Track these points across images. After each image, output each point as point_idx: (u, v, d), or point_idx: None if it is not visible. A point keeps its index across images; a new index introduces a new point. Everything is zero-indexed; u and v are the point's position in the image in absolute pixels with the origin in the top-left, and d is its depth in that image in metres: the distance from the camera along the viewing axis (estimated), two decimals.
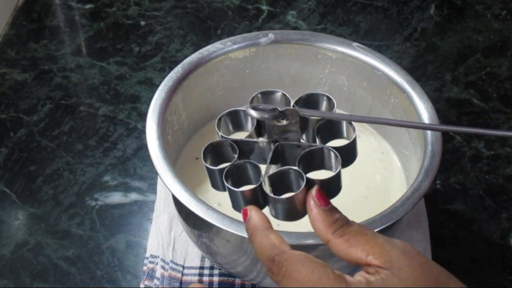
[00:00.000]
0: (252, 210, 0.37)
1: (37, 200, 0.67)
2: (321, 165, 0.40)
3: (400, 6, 0.92)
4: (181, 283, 0.58)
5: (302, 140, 0.41)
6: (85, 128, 0.74)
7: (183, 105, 0.58)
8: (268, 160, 0.39)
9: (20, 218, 0.65)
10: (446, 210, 0.66)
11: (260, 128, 0.41)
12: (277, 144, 0.40)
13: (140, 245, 0.63)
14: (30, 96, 0.78)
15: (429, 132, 0.52)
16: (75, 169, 0.70)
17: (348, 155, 0.40)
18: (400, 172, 0.61)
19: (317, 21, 0.89)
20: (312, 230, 0.36)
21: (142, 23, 0.88)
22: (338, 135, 0.41)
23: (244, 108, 0.42)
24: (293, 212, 0.38)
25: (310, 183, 0.37)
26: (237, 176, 0.40)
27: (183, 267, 0.59)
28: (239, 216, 0.41)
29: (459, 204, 0.67)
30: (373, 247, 0.33)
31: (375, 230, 0.46)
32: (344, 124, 0.41)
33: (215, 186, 0.41)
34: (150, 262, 0.60)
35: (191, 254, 0.60)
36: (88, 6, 0.91)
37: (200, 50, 0.58)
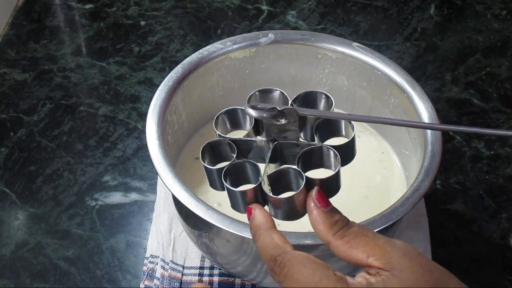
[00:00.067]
0: (256, 209, 0.37)
1: (37, 200, 0.67)
2: (320, 164, 0.40)
3: (400, 6, 0.92)
4: (181, 283, 0.58)
5: (300, 139, 0.41)
6: (85, 128, 0.74)
7: (183, 105, 0.58)
8: (267, 159, 0.39)
9: (20, 218, 0.65)
10: (446, 210, 0.66)
11: (258, 126, 0.41)
12: (275, 143, 0.40)
13: (140, 245, 0.63)
14: (30, 96, 0.78)
15: (429, 132, 0.52)
16: (75, 169, 0.70)
17: (347, 153, 0.40)
18: (400, 172, 0.61)
19: (317, 21, 0.89)
20: (312, 230, 0.36)
21: (142, 23, 0.88)
22: (336, 133, 0.41)
23: (242, 107, 0.42)
24: (293, 212, 0.38)
25: (310, 182, 0.37)
26: (235, 176, 0.40)
27: (183, 267, 0.59)
28: (239, 216, 0.42)
29: (459, 204, 0.67)
30: (373, 248, 0.33)
31: (375, 230, 0.45)
32: (343, 122, 0.40)
33: (213, 185, 0.41)
34: (150, 262, 0.60)
35: (191, 254, 0.60)
36: (88, 6, 0.91)
37: (200, 50, 0.58)
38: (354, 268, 0.46)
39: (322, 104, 0.42)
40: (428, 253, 0.60)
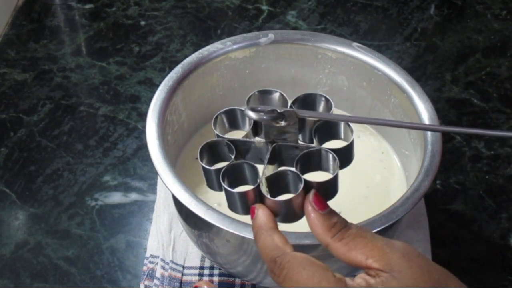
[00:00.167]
0: (259, 209, 0.38)
1: (37, 200, 0.67)
2: (319, 167, 0.40)
3: (400, 6, 0.92)
4: (181, 283, 0.58)
5: (299, 141, 0.41)
6: (85, 128, 0.74)
7: (183, 105, 0.58)
8: (266, 161, 0.39)
9: (20, 218, 0.65)
10: (446, 210, 0.66)
11: (256, 127, 0.41)
12: (274, 144, 0.40)
13: (140, 245, 0.63)
14: (30, 96, 0.78)
15: (429, 132, 0.52)
16: (75, 169, 0.70)
17: (345, 157, 0.40)
18: (400, 172, 0.61)
19: (317, 21, 0.89)
20: None
21: (142, 23, 0.88)
22: (335, 136, 0.41)
23: (241, 107, 0.42)
24: (291, 214, 0.38)
25: (308, 185, 0.37)
26: (233, 177, 0.40)
27: (183, 267, 0.59)
28: (239, 216, 0.41)
29: (459, 204, 0.67)
30: (372, 250, 0.33)
31: (375, 230, 0.46)
32: (342, 125, 0.40)
33: (211, 186, 0.41)
34: (150, 262, 0.60)
35: (191, 254, 0.60)
36: (88, 6, 0.91)
37: (200, 50, 0.58)
38: (354, 268, 0.46)
39: (321, 106, 0.42)
40: (428, 253, 0.60)
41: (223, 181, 0.39)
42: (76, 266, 0.61)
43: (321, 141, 0.41)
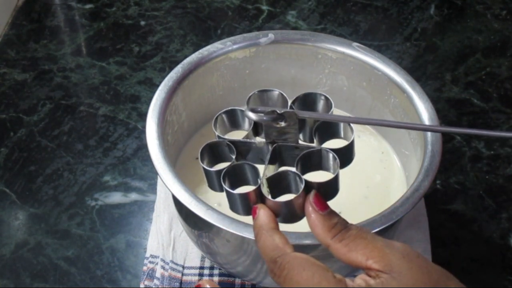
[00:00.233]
0: (261, 209, 0.38)
1: (37, 200, 0.67)
2: (319, 166, 0.40)
3: (400, 6, 0.92)
4: (181, 283, 0.58)
5: (300, 140, 0.41)
6: (85, 128, 0.74)
7: (183, 105, 0.58)
8: (266, 162, 0.39)
9: (20, 218, 0.65)
10: (446, 210, 0.66)
11: (257, 127, 0.41)
12: (275, 145, 0.40)
13: (140, 245, 0.63)
14: (30, 96, 0.78)
15: (429, 132, 0.52)
16: (75, 169, 0.70)
17: (346, 156, 0.40)
18: (400, 172, 0.61)
19: (317, 21, 0.89)
20: None
21: (142, 23, 0.88)
22: (335, 135, 0.41)
23: (241, 108, 0.42)
24: (291, 215, 0.38)
25: (309, 185, 0.37)
26: (234, 177, 0.40)
27: (183, 267, 0.59)
28: (239, 216, 0.42)
29: (459, 204, 0.67)
30: (372, 251, 0.33)
31: (375, 230, 0.46)
32: (342, 124, 0.40)
33: (212, 187, 0.41)
34: (150, 262, 0.60)
35: (191, 254, 0.60)
36: (88, 6, 0.91)
37: (200, 50, 0.58)
38: (354, 268, 0.46)
39: (321, 105, 0.42)
40: (428, 253, 0.60)
41: (224, 182, 0.39)
42: (76, 266, 0.61)
43: (322, 140, 0.41)
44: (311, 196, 0.36)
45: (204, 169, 0.40)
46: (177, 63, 0.58)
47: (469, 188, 0.68)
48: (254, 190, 0.38)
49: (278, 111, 0.38)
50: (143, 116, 0.75)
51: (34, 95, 0.78)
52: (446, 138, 0.72)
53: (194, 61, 0.58)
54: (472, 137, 0.73)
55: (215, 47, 0.59)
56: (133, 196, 0.67)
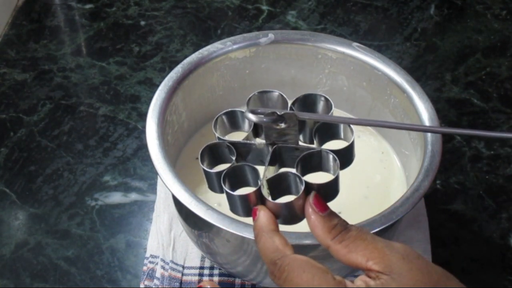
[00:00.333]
0: (261, 211, 0.38)
1: (37, 200, 0.67)
2: (319, 167, 0.40)
3: (400, 6, 0.92)
4: (181, 283, 0.58)
5: (300, 142, 0.41)
6: (85, 128, 0.74)
7: (183, 105, 0.58)
8: (267, 163, 0.39)
9: (20, 218, 0.65)
10: (446, 210, 0.66)
11: (257, 128, 0.41)
12: (275, 146, 0.40)
13: (140, 245, 0.63)
14: (30, 96, 0.78)
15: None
16: (75, 169, 0.70)
17: (346, 157, 0.40)
18: (400, 172, 0.61)
19: (317, 21, 0.89)
20: None
21: (142, 23, 0.88)
22: (335, 136, 0.41)
23: (241, 109, 0.42)
24: (292, 216, 0.38)
25: (309, 187, 0.37)
26: (234, 179, 0.40)
27: (183, 267, 0.60)
28: (239, 216, 0.42)
29: (459, 204, 0.67)
30: (372, 252, 0.33)
31: (375, 230, 0.46)
32: (342, 125, 0.40)
33: (212, 188, 0.41)
34: (150, 262, 0.60)
35: (191, 254, 0.60)
36: (88, 6, 0.91)
37: (200, 50, 0.58)
38: (354, 269, 0.46)
39: (321, 106, 0.42)
40: (428, 253, 0.60)
41: (224, 183, 0.39)
42: (76, 266, 0.61)
43: (322, 141, 0.41)
44: (311, 197, 0.36)
45: (204, 170, 0.40)
46: (177, 63, 0.58)
47: (469, 188, 0.68)
48: (254, 192, 0.38)
49: (278, 113, 0.38)
50: (143, 116, 0.75)
51: (34, 95, 0.78)
52: (446, 138, 0.72)
53: (194, 61, 0.58)
54: (472, 137, 0.73)
55: (215, 47, 0.59)
56: (133, 196, 0.67)
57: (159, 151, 0.50)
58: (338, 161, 0.38)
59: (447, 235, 0.64)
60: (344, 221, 0.36)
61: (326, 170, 0.40)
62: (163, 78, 0.56)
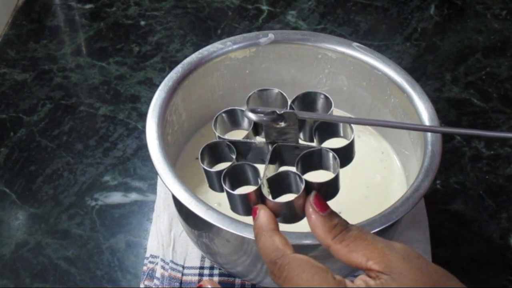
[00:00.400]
0: (261, 210, 0.38)
1: (37, 200, 0.67)
2: (319, 166, 0.40)
3: (400, 6, 0.92)
4: (181, 283, 0.58)
5: (300, 140, 0.41)
6: (85, 128, 0.74)
7: (183, 105, 0.58)
8: (267, 162, 0.39)
9: (20, 218, 0.65)
10: (446, 210, 0.66)
11: (257, 127, 0.41)
12: (275, 145, 0.40)
13: (140, 245, 0.63)
14: (30, 96, 0.78)
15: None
16: (75, 169, 0.70)
17: (346, 156, 0.40)
18: (400, 172, 0.61)
19: (317, 21, 0.89)
20: None
21: (142, 23, 0.88)
22: (335, 134, 0.41)
23: (241, 108, 0.42)
24: (292, 215, 0.38)
25: (309, 186, 0.37)
26: (235, 178, 0.40)
27: (183, 267, 0.59)
28: (239, 216, 0.42)
29: (459, 204, 0.67)
30: (372, 252, 0.33)
31: (375, 230, 0.46)
32: (342, 124, 0.40)
33: (212, 187, 0.41)
34: (150, 262, 0.60)
35: (191, 254, 0.60)
36: (88, 6, 0.91)
37: (200, 50, 0.58)
38: (354, 268, 0.46)
39: (321, 104, 0.42)
40: (428, 253, 0.60)
41: (224, 182, 0.39)
42: (76, 266, 0.61)
43: (322, 140, 0.41)
44: (312, 197, 0.36)
45: (205, 169, 0.40)
46: (177, 63, 0.58)
47: (469, 188, 0.68)
48: (255, 191, 0.38)
49: (278, 112, 0.38)
50: (143, 116, 0.75)
51: (34, 95, 0.78)
52: (446, 138, 0.72)
53: (194, 61, 0.58)
54: (472, 137, 0.73)
55: (215, 47, 0.59)
56: (133, 196, 0.67)
57: (159, 151, 0.50)
58: (338, 159, 0.38)
59: (447, 235, 0.64)
60: (345, 220, 0.36)
61: (326, 168, 0.40)
62: (163, 78, 0.56)
